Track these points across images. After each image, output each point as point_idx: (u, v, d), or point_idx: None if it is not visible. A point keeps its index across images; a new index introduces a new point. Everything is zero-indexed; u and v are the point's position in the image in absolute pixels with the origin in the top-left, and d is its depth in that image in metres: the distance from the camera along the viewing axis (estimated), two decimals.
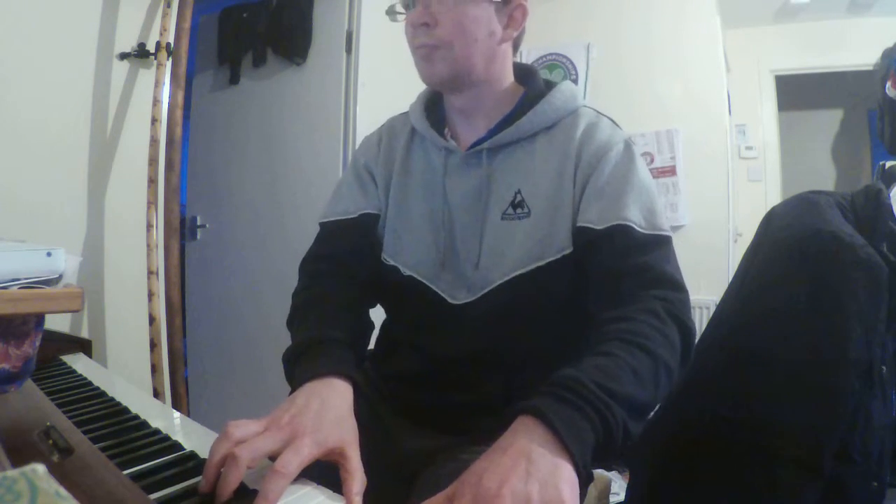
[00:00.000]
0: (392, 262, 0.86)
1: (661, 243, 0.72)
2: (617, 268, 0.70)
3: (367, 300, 0.88)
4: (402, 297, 0.87)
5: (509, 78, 0.85)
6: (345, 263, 0.86)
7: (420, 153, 0.88)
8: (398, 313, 0.91)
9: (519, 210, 0.78)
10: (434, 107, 0.89)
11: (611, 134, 0.79)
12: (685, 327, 0.67)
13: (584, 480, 0.55)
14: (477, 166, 0.82)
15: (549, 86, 0.84)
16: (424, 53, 0.77)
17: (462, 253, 0.81)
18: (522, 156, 0.80)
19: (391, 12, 0.82)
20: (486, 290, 0.78)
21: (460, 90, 0.81)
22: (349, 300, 0.82)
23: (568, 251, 0.75)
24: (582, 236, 0.74)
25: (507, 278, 0.77)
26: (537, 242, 0.76)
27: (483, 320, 0.79)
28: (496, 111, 0.83)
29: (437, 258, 0.82)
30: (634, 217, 0.72)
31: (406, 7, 0.80)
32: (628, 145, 0.79)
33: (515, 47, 0.86)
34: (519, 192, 0.79)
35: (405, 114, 0.93)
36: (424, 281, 0.82)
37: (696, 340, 1.28)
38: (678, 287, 0.71)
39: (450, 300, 0.81)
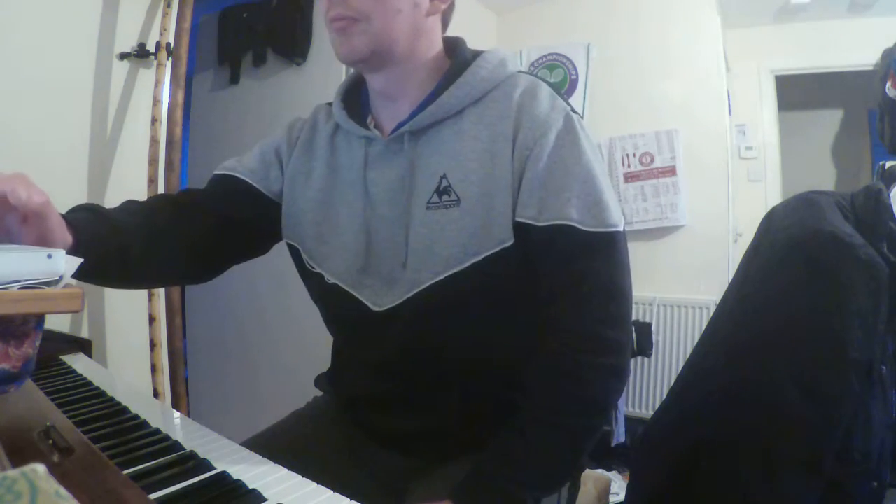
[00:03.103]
0: (317, 270, 0.78)
1: (605, 242, 0.67)
2: (555, 278, 0.67)
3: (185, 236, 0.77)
4: (329, 307, 0.82)
5: (435, 51, 0.76)
6: (193, 202, 0.80)
7: (344, 148, 0.79)
8: (331, 326, 0.86)
9: (445, 197, 0.69)
10: (356, 95, 0.81)
11: (550, 107, 0.69)
12: (605, 371, 0.66)
13: None
14: (399, 153, 0.73)
15: (477, 55, 0.75)
16: (340, 27, 0.68)
17: (387, 252, 0.73)
18: (449, 136, 0.71)
19: None
20: (413, 293, 0.70)
21: (380, 69, 0.72)
22: (151, 208, 0.76)
23: (508, 243, 0.67)
24: (522, 232, 0.67)
25: (439, 278, 0.69)
26: (471, 235, 0.68)
27: (414, 327, 0.71)
28: (421, 91, 0.74)
29: (358, 262, 0.75)
30: (577, 214, 0.66)
31: None
32: (570, 120, 0.69)
33: (445, 23, 0.78)
34: (444, 176, 0.70)
35: (330, 104, 0.84)
36: (347, 288, 0.75)
37: (698, 341, 1.29)
38: (615, 297, 0.67)
39: (372, 307, 0.73)
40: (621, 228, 0.68)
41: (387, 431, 0.79)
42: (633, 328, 2.64)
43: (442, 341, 0.72)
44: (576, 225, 0.65)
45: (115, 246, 0.68)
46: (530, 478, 0.65)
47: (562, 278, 0.67)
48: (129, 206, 0.76)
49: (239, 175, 0.82)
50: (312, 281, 0.81)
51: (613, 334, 0.66)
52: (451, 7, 0.77)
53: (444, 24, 0.78)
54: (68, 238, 0.61)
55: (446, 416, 0.74)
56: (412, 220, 0.71)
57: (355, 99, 0.81)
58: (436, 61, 0.75)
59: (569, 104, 0.72)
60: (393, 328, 0.73)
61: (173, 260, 0.77)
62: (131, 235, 0.70)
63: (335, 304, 0.78)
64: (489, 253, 0.68)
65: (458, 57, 0.75)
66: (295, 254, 0.83)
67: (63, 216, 0.63)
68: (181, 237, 0.77)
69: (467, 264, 0.68)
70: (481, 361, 0.73)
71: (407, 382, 0.76)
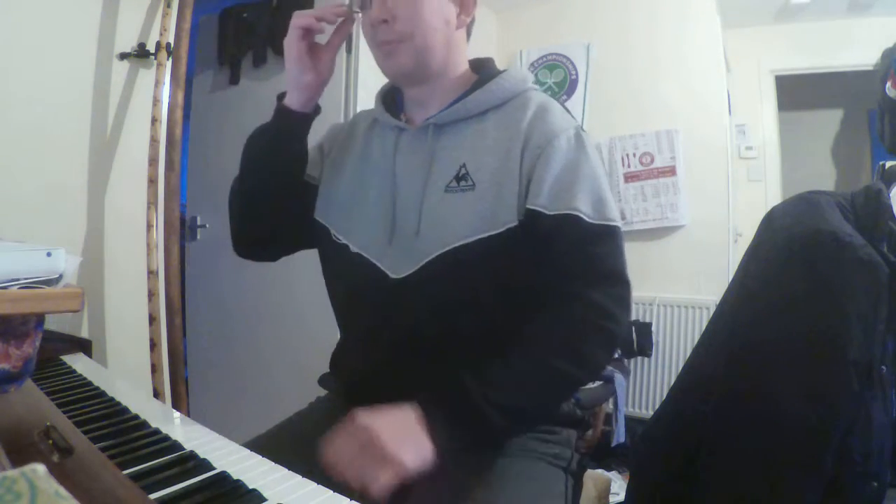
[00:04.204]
0: (343, 241, 0.87)
1: (608, 234, 0.75)
2: (561, 260, 0.74)
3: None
4: (349, 276, 0.88)
5: (464, 66, 0.88)
6: None
7: (378, 137, 0.91)
8: (346, 297, 0.91)
9: (463, 183, 0.79)
10: (393, 97, 0.93)
11: (562, 119, 0.81)
12: (604, 331, 0.71)
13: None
14: (424, 141, 0.84)
15: (502, 71, 0.87)
16: (388, 49, 0.80)
17: (406, 227, 0.82)
18: (471, 133, 0.82)
19: (349, 8, 0.85)
20: (425, 261, 0.78)
21: (421, 82, 0.84)
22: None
23: (512, 224, 0.76)
24: (532, 219, 0.75)
25: (448, 248, 0.77)
26: (481, 216, 0.77)
27: (424, 295, 0.78)
28: (449, 98, 0.85)
29: (383, 235, 0.83)
30: (584, 207, 0.74)
31: (362, 7, 0.82)
32: (579, 132, 0.80)
33: (468, 35, 0.89)
34: (463, 165, 0.80)
35: (372, 108, 0.97)
36: (370, 258, 0.83)
37: (698, 341, 1.29)
38: (615, 281, 0.74)
39: (391, 275, 0.81)
40: (620, 225, 0.77)
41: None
42: (633, 328, 2.64)
43: (450, 312, 0.78)
44: (582, 216, 0.74)
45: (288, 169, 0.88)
46: (501, 401, 0.66)
47: (574, 259, 0.74)
48: None
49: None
50: (336, 253, 0.88)
51: (616, 309, 0.72)
52: (473, 21, 0.88)
53: (468, 36, 0.89)
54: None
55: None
56: (429, 199, 0.81)
57: (391, 100, 0.93)
58: (464, 75, 0.87)
59: (576, 120, 0.84)
60: (406, 296, 0.79)
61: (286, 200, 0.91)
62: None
63: (356, 274, 0.85)
64: (495, 232, 0.76)
65: (485, 71, 0.87)
66: (323, 233, 0.90)
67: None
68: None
69: (473, 238, 0.76)
70: (481, 344, 0.75)
71: (414, 357, 0.79)
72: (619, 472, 2.25)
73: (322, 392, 0.96)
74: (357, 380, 0.86)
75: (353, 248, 0.85)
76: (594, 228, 0.74)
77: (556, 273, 0.74)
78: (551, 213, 0.74)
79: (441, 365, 0.75)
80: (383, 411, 0.63)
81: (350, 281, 0.88)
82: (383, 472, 0.58)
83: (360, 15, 0.82)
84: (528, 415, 0.72)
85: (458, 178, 0.80)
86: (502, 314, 0.78)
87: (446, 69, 0.84)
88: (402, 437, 0.61)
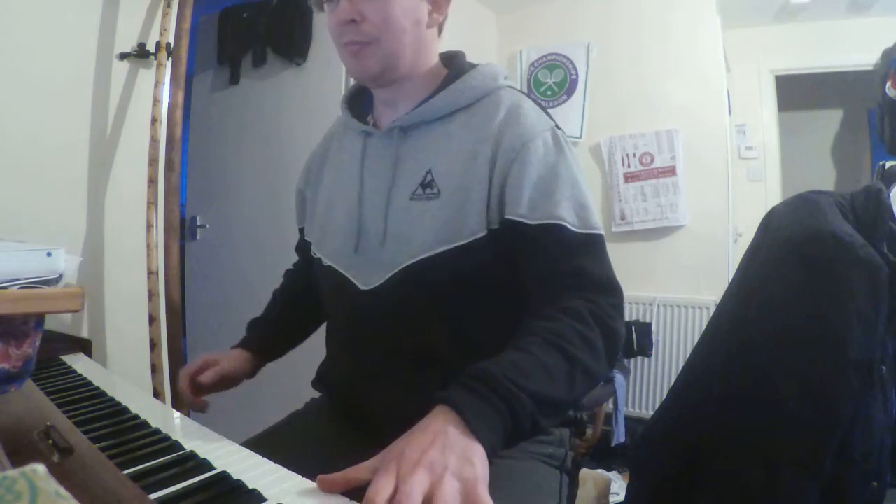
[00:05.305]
0: (318, 255, 0.87)
1: (593, 243, 0.72)
2: (550, 270, 0.70)
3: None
4: (324, 289, 0.88)
5: (434, 62, 0.83)
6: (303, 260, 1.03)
7: (348, 144, 0.88)
8: (328, 310, 0.91)
9: (429, 190, 0.76)
10: (359, 98, 0.91)
11: (536, 119, 0.76)
12: (610, 331, 0.66)
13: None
14: (390, 146, 0.80)
15: (472, 67, 0.82)
16: (354, 50, 0.75)
17: (374, 236, 0.79)
18: (438, 136, 0.78)
19: (316, 3, 0.79)
20: (392, 273, 0.76)
21: (388, 84, 0.80)
22: (294, 287, 1.06)
23: (480, 234, 0.72)
24: (512, 229, 0.72)
25: (413, 261, 0.74)
26: (445, 225, 0.73)
27: (396, 306, 0.76)
28: (418, 96, 0.81)
29: (350, 244, 0.81)
30: (567, 215, 0.70)
31: (328, 1, 0.77)
32: (555, 133, 0.76)
33: (440, 31, 0.84)
34: (430, 171, 0.76)
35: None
36: (339, 269, 0.82)
37: (698, 341, 1.29)
38: (610, 290, 0.69)
39: (361, 286, 0.79)
40: (603, 232, 0.74)
41: (379, 415, 0.78)
42: (633, 328, 2.64)
43: (422, 321, 0.76)
44: (567, 225, 0.70)
45: (282, 335, 1.06)
46: (531, 388, 0.57)
47: (564, 270, 0.69)
48: (287, 292, 1.10)
49: (301, 227, 1.00)
50: (316, 268, 0.88)
51: (617, 317, 0.68)
52: (446, 18, 0.83)
53: (439, 32, 0.84)
54: (247, 369, 1.01)
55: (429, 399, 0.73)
56: (392, 206, 0.78)
57: (359, 101, 0.90)
58: (434, 70, 0.83)
59: (552, 119, 0.79)
60: (378, 306, 0.78)
61: (316, 316, 1.03)
62: (289, 322, 1.06)
63: (330, 285, 0.85)
64: (461, 243, 0.73)
65: (455, 67, 0.82)
66: (311, 249, 0.91)
67: (243, 344, 1.03)
68: (314, 301, 0.96)
69: (438, 251, 0.73)
70: (463, 348, 0.72)
71: (395, 364, 0.78)
72: (619, 472, 2.25)
73: (317, 394, 0.96)
74: (343, 389, 0.86)
75: (325, 262, 0.84)
76: (580, 238, 0.70)
77: (546, 283, 0.70)
78: (533, 222, 0.70)
79: (423, 371, 0.75)
80: (411, 435, 0.52)
81: (327, 294, 0.88)
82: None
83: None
84: (554, 402, 0.61)
85: (424, 185, 0.76)
86: (477, 322, 0.75)
87: (415, 68, 0.80)
88: (449, 448, 0.49)
